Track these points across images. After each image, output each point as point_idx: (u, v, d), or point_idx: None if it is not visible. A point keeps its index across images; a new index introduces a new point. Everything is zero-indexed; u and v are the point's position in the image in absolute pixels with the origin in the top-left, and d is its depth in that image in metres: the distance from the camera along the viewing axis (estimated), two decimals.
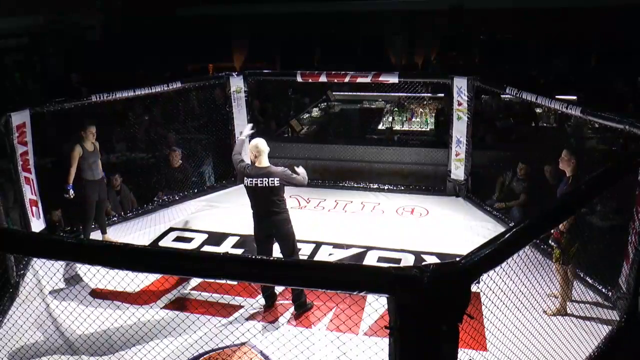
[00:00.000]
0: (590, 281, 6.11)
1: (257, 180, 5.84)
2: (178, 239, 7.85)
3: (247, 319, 5.69)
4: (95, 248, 3.08)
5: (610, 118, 5.74)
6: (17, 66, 12.11)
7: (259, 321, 5.63)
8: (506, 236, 2.94)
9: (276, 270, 2.75)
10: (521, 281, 4.15)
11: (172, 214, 8.71)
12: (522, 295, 4.30)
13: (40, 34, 12.89)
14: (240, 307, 5.86)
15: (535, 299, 4.77)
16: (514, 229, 3.02)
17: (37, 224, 7.35)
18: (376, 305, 5.14)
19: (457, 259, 2.71)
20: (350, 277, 2.67)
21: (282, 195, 5.90)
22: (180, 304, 6.03)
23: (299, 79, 9.30)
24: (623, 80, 12.22)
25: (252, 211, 6.07)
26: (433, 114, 11.52)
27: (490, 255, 2.78)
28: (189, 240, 7.81)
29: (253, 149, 5.96)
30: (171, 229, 8.15)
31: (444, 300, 2.58)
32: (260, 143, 5.97)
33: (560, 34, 13.14)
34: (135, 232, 8.07)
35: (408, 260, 6.99)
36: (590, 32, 12.71)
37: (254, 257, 2.80)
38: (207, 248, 7.57)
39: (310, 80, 9.45)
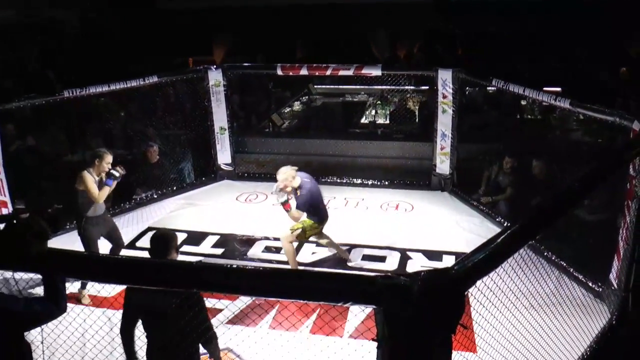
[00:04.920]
0: (580, 277, 5.98)
1: None
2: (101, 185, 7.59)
3: (224, 323, 5.46)
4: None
5: (600, 110, 5.59)
6: None
7: (238, 325, 5.40)
8: (501, 239, 2.74)
9: (250, 280, 2.53)
10: (511, 279, 3.97)
11: (150, 212, 8.46)
12: (511, 294, 4.12)
13: (13, 28, 12.49)
14: (218, 310, 5.61)
15: (525, 297, 4.62)
16: (509, 231, 2.82)
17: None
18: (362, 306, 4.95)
19: (450, 265, 2.50)
20: (333, 286, 2.46)
21: None
22: None
23: (280, 72, 9.07)
24: (607, 72, 12.10)
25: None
26: (417, 107, 11.33)
27: (484, 260, 2.57)
28: None
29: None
30: (149, 229, 7.90)
31: (436, 310, 2.37)
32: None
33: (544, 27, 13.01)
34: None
35: (394, 258, 6.82)
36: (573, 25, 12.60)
37: (227, 265, 2.58)
38: (186, 248, 7.34)
39: (291, 74, 9.22)
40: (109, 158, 6.11)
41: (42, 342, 3.96)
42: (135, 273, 2.70)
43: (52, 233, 2.97)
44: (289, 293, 2.57)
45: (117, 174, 6.09)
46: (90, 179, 5.98)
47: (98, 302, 5.80)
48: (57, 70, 11.44)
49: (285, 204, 6.09)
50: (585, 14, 12.31)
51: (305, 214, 6.27)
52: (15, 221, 2.96)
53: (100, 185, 6.05)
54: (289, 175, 6.16)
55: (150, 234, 7.63)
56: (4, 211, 6.99)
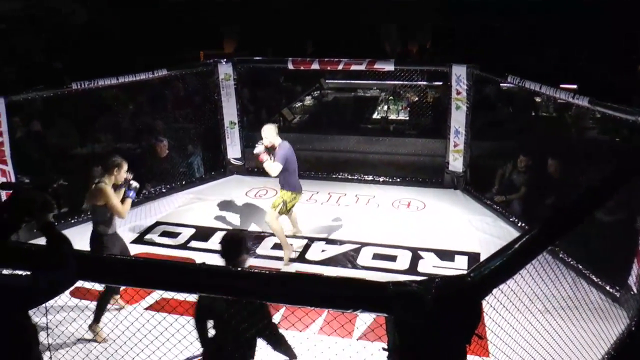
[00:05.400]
0: (597, 281, 5.82)
1: None
2: (164, 234, 7.52)
3: None
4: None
5: (621, 109, 5.42)
6: None
7: None
8: (519, 244, 2.59)
9: (254, 285, 2.42)
10: (526, 282, 3.82)
11: (158, 207, 8.37)
12: (526, 297, 3.98)
13: (18, 19, 12.42)
14: None
15: (540, 301, 4.47)
16: (528, 236, 2.67)
17: None
18: None
19: (463, 266, 2.37)
20: (341, 292, 2.34)
21: None
22: (162, 303, 5.66)
23: (290, 66, 8.94)
24: (622, 71, 11.87)
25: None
26: (430, 102, 11.17)
27: (502, 267, 2.43)
28: (175, 235, 7.49)
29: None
30: (157, 223, 7.82)
31: (451, 320, 2.25)
32: None
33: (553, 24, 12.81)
34: (120, 227, 7.66)
35: (404, 257, 6.68)
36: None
37: (229, 268, 2.46)
38: (194, 243, 7.25)
39: (302, 68, 9.08)
40: (126, 166, 5.62)
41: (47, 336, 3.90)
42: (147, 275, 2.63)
43: (55, 208, 2.96)
44: (294, 299, 2.45)
45: (137, 185, 5.70)
46: (112, 193, 5.43)
47: (92, 296, 5.68)
48: (64, 62, 11.35)
49: (259, 156, 6.46)
50: (591, 13, 12.09)
51: (280, 167, 6.46)
52: (18, 192, 2.96)
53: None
54: (274, 132, 6.58)
55: (158, 228, 7.62)
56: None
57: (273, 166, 6.48)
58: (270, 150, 6.56)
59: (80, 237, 7.31)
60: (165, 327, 4.81)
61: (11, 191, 3.04)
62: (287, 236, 6.87)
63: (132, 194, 5.65)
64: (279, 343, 4.04)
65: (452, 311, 2.25)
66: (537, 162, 7.64)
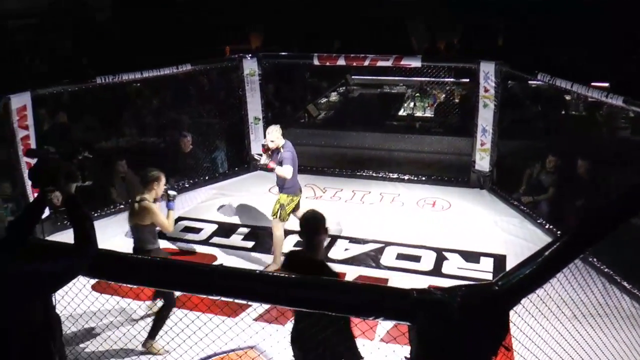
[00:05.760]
0: (627, 286, 5.64)
1: None
2: (186, 229, 7.50)
3: (255, 320, 5.27)
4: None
5: None
6: (25, 47, 11.77)
7: (269, 323, 5.19)
8: (551, 250, 2.45)
9: (273, 289, 2.34)
10: (554, 288, 3.67)
11: (181, 202, 8.25)
12: (553, 304, 3.84)
13: (47, 14, 12.52)
14: (248, 305, 5.43)
15: (569, 308, 4.32)
16: (560, 242, 2.52)
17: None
18: None
19: (491, 274, 2.26)
20: (361, 299, 2.25)
21: None
22: (181, 300, 5.63)
23: (316, 62, 8.86)
24: None
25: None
26: (457, 100, 11.00)
27: (532, 276, 2.30)
28: (197, 230, 7.46)
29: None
30: (180, 218, 7.79)
31: (477, 330, 2.14)
32: None
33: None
34: None
35: (429, 258, 6.56)
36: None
37: (247, 271, 2.39)
38: (216, 239, 7.21)
39: (327, 64, 8.99)
40: (164, 178, 5.40)
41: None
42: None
43: (78, 180, 2.98)
44: (315, 305, 2.36)
45: (175, 193, 5.51)
46: (158, 210, 5.19)
47: (112, 290, 5.67)
48: (90, 57, 11.41)
49: (268, 165, 6.27)
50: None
51: (291, 170, 6.28)
52: (44, 160, 2.95)
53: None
54: (280, 133, 6.41)
55: (180, 223, 7.58)
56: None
57: (285, 170, 6.25)
58: (274, 151, 6.39)
59: (104, 229, 7.42)
60: (187, 324, 4.79)
61: (37, 159, 3.04)
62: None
63: (172, 204, 5.43)
64: None
65: (478, 321, 2.15)
66: (567, 163, 7.46)
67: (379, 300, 2.23)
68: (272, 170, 6.32)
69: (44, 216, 6.85)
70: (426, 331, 2.17)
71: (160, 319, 5.12)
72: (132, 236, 5.38)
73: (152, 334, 5.10)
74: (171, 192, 5.45)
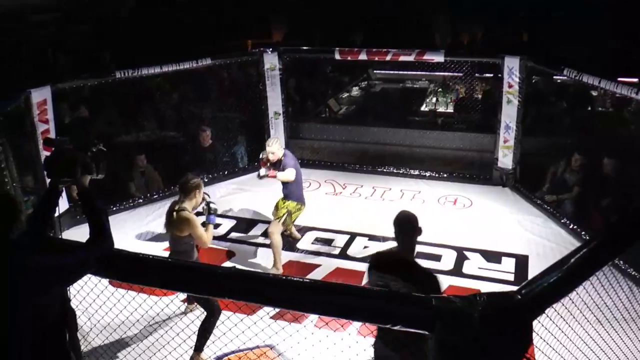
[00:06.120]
0: None
1: None
2: (204, 225, 7.45)
3: (272, 318, 5.21)
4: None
5: None
6: (48, 42, 11.82)
7: (289, 322, 5.11)
8: (578, 257, 2.34)
9: (285, 292, 2.27)
10: (577, 293, 3.55)
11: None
12: (575, 308, 3.71)
13: (70, 8, 12.56)
14: None
15: (592, 312, 4.19)
16: (588, 247, 2.41)
17: (61, 204, 7.05)
18: None
19: (516, 288, 2.16)
20: (378, 305, 2.17)
21: None
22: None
23: (338, 56, 8.78)
24: None
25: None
26: (480, 96, 10.83)
27: (557, 284, 2.21)
28: (215, 226, 7.36)
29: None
30: (198, 214, 7.74)
31: (498, 341, 2.06)
32: None
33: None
34: (161, 216, 7.66)
35: (449, 258, 6.46)
36: None
37: (260, 274, 2.33)
38: (234, 235, 7.18)
39: (349, 58, 8.91)
40: (203, 185, 5.17)
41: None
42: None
43: (93, 173, 2.99)
44: (329, 310, 2.29)
45: (216, 206, 5.22)
46: (198, 222, 4.92)
47: (129, 285, 5.64)
48: (113, 51, 11.43)
49: (268, 176, 6.24)
50: None
51: (294, 172, 6.25)
52: (61, 150, 2.96)
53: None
54: (280, 145, 6.39)
55: (198, 218, 7.52)
56: None
57: (287, 174, 6.24)
58: (275, 164, 6.33)
59: (123, 223, 7.43)
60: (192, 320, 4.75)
61: (53, 148, 3.04)
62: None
63: (213, 218, 5.13)
64: None
65: (500, 332, 2.06)
66: (592, 161, 7.28)
67: (397, 307, 2.16)
68: (274, 177, 6.27)
69: (63, 209, 6.90)
70: (445, 341, 2.09)
71: (204, 330, 4.86)
72: (169, 245, 5.17)
73: (199, 346, 4.87)
74: (212, 205, 5.14)
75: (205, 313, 4.95)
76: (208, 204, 5.12)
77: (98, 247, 2.67)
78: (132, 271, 2.69)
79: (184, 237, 4.91)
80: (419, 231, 4.09)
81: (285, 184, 6.32)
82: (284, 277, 2.37)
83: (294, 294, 2.31)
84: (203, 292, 2.58)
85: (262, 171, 6.23)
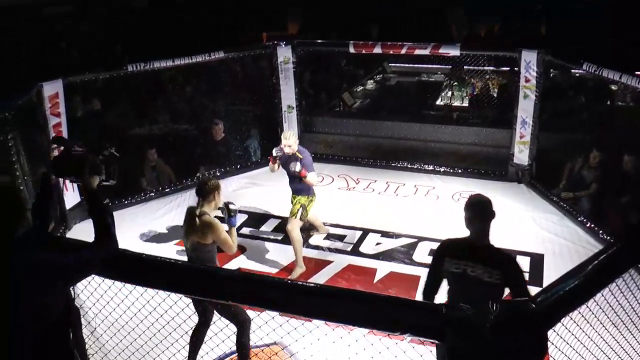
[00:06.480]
0: None
1: None
2: (216, 219, 7.40)
3: (284, 317, 5.13)
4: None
5: None
6: (62, 35, 11.82)
7: (301, 321, 5.04)
8: (596, 263, 2.25)
9: (289, 297, 2.20)
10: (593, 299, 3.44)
11: None
12: (590, 313, 3.59)
13: (85, 1, 12.56)
14: None
15: (608, 317, 4.08)
16: (608, 253, 2.31)
17: (72, 197, 7.08)
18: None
19: (531, 287, 2.07)
20: (388, 313, 2.10)
21: None
22: None
23: (352, 49, 8.67)
24: None
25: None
26: (496, 89, 10.67)
27: (574, 292, 2.12)
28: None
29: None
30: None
31: (511, 352, 1.97)
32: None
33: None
34: (172, 210, 7.68)
35: None
36: None
37: (265, 277, 2.26)
38: (245, 230, 7.13)
39: (363, 52, 8.80)
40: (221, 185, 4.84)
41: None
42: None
43: (102, 174, 2.94)
44: (336, 317, 2.22)
45: (236, 207, 4.82)
46: (222, 226, 4.57)
47: None
48: (124, 43, 11.40)
49: (301, 172, 5.96)
50: None
51: (316, 176, 6.29)
52: (70, 150, 2.94)
53: None
54: (297, 137, 6.25)
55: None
56: (67, 183, 6.95)
57: (314, 176, 6.20)
58: (290, 158, 6.10)
59: (134, 217, 7.41)
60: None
61: (62, 147, 3.04)
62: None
63: (234, 220, 4.76)
64: None
65: (513, 342, 1.98)
66: (611, 157, 7.13)
67: (407, 316, 2.09)
68: (304, 176, 6.00)
69: (74, 203, 6.87)
70: (455, 351, 2.01)
71: (242, 345, 4.57)
72: (188, 255, 4.70)
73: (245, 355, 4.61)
74: (232, 206, 4.72)
75: (209, 325, 4.77)
76: (227, 205, 4.72)
77: (102, 248, 2.64)
78: (136, 272, 2.64)
79: (208, 245, 4.54)
80: (492, 215, 3.87)
81: (293, 178, 6.19)
82: (290, 282, 2.31)
83: (299, 299, 2.24)
84: (209, 295, 2.51)
85: (298, 166, 5.94)
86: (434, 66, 11.50)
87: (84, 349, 3.52)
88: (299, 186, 6.20)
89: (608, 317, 3.39)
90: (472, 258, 3.59)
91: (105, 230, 2.68)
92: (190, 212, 4.64)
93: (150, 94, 9.02)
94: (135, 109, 9.17)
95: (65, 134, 6.86)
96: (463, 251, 3.71)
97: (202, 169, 8.61)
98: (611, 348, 3.21)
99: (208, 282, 2.44)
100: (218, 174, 8.55)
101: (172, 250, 6.65)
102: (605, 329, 3.19)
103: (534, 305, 2.02)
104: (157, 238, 7.04)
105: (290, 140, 6.08)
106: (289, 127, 9.15)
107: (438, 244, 6.42)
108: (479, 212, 3.75)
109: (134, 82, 7.97)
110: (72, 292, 2.99)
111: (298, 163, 5.98)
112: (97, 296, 3.76)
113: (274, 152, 6.14)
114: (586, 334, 3.05)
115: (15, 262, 2.44)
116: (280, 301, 2.28)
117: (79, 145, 2.93)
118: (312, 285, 2.32)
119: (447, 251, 3.80)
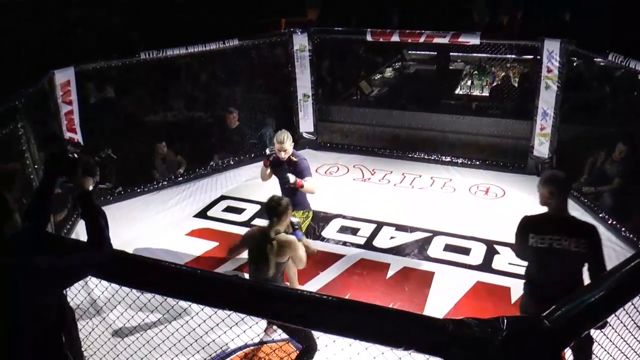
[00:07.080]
0: None
1: None
2: (228, 209, 7.36)
3: None
4: None
5: None
6: (79, 22, 11.74)
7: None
8: (618, 276, 2.08)
9: (292, 308, 2.09)
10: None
11: (225, 180, 8.20)
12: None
13: None
14: None
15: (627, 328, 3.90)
16: (631, 266, 2.13)
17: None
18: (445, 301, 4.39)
19: (544, 313, 1.92)
20: (390, 328, 1.97)
21: None
22: None
23: (369, 37, 8.48)
24: None
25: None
26: (517, 79, 10.42)
27: (592, 308, 1.97)
28: (240, 211, 7.30)
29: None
30: (222, 197, 7.66)
31: None
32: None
33: None
34: (184, 200, 7.60)
35: (478, 251, 6.20)
36: None
37: (266, 286, 2.15)
38: (257, 221, 7.01)
39: (381, 40, 8.61)
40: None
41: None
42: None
43: (95, 176, 2.93)
44: (336, 328, 2.10)
45: (299, 221, 4.81)
46: (301, 245, 4.49)
47: None
48: (140, 30, 11.30)
49: (297, 183, 5.23)
50: None
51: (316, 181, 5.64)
52: (64, 148, 2.83)
53: None
54: (291, 142, 5.42)
55: (223, 202, 7.43)
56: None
57: (313, 185, 5.43)
58: (283, 164, 5.40)
59: (146, 206, 7.34)
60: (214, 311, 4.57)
61: (56, 145, 2.92)
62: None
63: (300, 234, 4.70)
64: None
65: None
66: (636, 151, 6.89)
67: (410, 330, 1.96)
68: (301, 187, 5.28)
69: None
70: None
71: None
72: (258, 277, 4.49)
73: None
74: (294, 219, 4.69)
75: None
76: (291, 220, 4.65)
77: (97, 252, 2.55)
78: (133, 277, 2.55)
79: (283, 263, 4.51)
80: (570, 187, 4.10)
81: (286, 190, 5.36)
82: (292, 291, 2.19)
83: (300, 309, 2.13)
84: (201, 302, 2.40)
85: (292, 178, 5.20)
86: (454, 54, 11.29)
87: (79, 349, 3.45)
88: (293, 199, 5.12)
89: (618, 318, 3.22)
90: (556, 231, 3.69)
91: (99, 233, 2.59)
92: (264, 235, 4.51)
93: (165, 81, 8.92)
94: (150, 95, 9.08)
95: (77, 122, 6.78)
96: (546, 226, 3.79)
97: (216, 157, 8.52)
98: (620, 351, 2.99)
99: (212, 290, 2.33)
100: (232, 163, 8.48)
101: (182, 240, 6.58)
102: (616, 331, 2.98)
103: (547, 323, 1.88)
104: (168, 227, 6.94)
105: (285, 144, 5.30)
106: (304, 116, 9.03)
107: (453, 238, 6.37)
108: (559, 185, 3.84)
109: (147, 69, 7.88)
110: (65, 293, 2.91)
111: (292, 175, 5.26)
112: (94, 296, 3.67)
113: (268, 151, 5.46)
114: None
115: (13, 262, 2.37)
116: (282, 312, 2.18)
117: (75, 143, 2.84)
118: (317, 295, 2.19)
119: (530, 228, 3.87)
